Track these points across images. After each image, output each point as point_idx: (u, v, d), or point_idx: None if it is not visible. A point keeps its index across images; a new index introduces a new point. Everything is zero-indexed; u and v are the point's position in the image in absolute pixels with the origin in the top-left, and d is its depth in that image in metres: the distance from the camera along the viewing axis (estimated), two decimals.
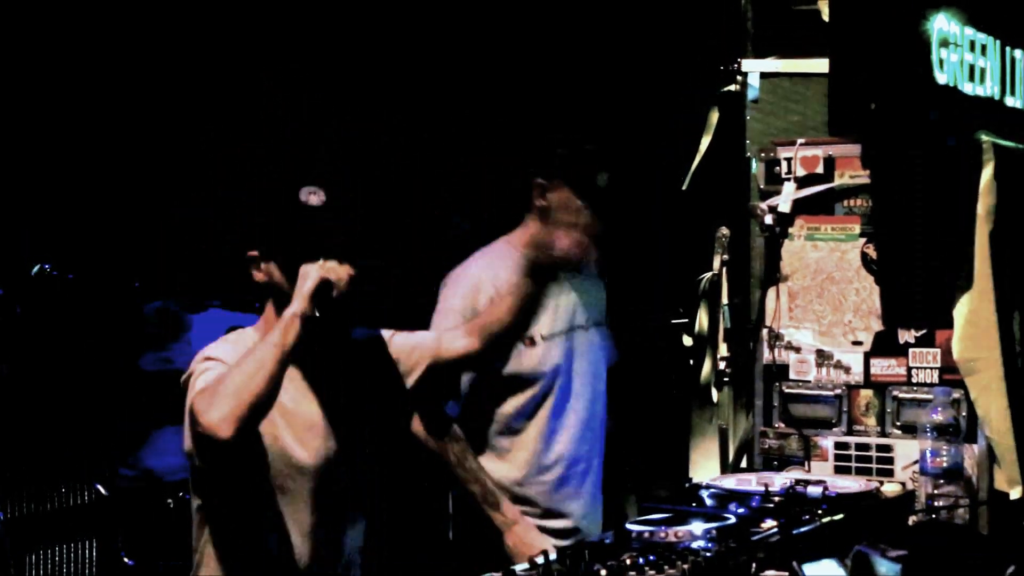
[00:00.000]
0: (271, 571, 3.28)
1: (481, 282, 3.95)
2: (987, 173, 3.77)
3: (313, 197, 3.28)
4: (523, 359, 3.92)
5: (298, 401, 3.27)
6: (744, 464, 4.23)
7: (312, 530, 3.29)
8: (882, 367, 3.91)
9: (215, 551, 3.29)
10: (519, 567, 2.86)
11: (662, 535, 3.02)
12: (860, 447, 3.90)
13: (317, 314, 3.11)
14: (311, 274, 3.13)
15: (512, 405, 3.95)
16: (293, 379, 3.22)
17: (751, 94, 4.51)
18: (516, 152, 4.29)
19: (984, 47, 3.93)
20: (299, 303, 3.10)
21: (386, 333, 3.48)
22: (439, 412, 3.88)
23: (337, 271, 3.15)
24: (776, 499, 3.35)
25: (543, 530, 3.94)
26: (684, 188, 4.70)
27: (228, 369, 3.07)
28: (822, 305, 3.97)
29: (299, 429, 3.26)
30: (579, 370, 4.03)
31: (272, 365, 3.03)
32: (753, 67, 4.54)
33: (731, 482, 3.60)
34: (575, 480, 4.04)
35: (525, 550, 3.69)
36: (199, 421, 2.98)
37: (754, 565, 2.95)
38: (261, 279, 3.30)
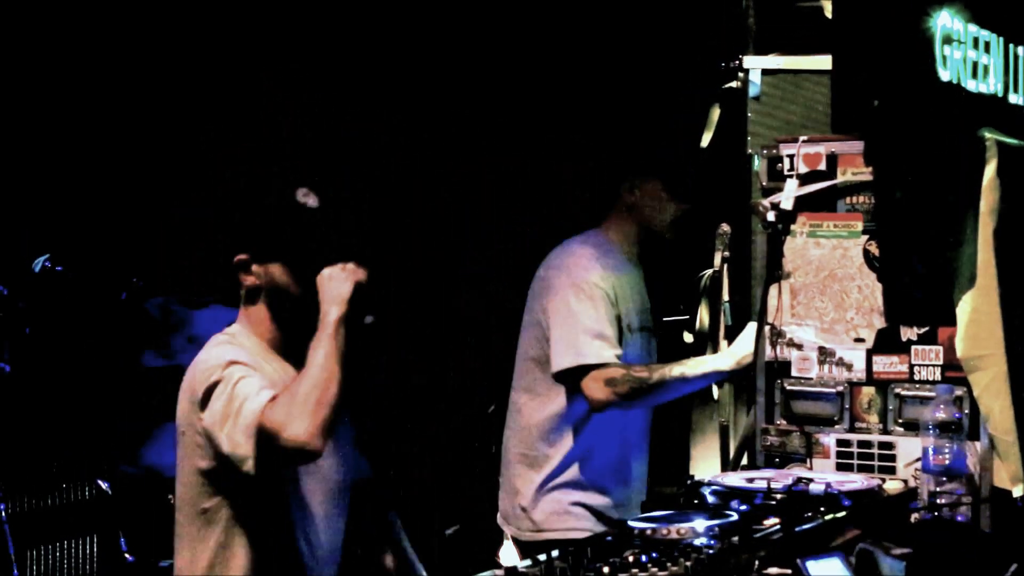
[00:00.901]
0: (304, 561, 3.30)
1: (604, 262, 4.21)
2: (990, 170, 3.76)
3: (309, 199, 3.29)
4: (627, 344, 4.19)
5: None
6: (745, 461, 4.22)
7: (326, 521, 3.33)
8: (884, 364, 3.90)
9: (246, 549, 3.26)
10: (521, 564, 2.86)
11: (664, 532, 3.01)
12: (862, 444, 3.89)
13: (365, 319, 3.15)
14: (343, 278, 3.15)
15: None
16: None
17: (753, 91, 4.51)
18: (606, 153, 4.44)
19: (987, 44, 3.92)
20: (340, 308, 3.11)
21: None
22: (613, 361, 4.07)
23: (360, 272, 3.18)
24: (778, 496, 3.34)
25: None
26: None
27: (294, 382, 3.08)
28: (824, 302, 3.96)
29: None
30: None
31: (339, 370, 3.07)
32: (755, 64, 4.54)
33: (733, 479, 3.59)
34: (633, 464, 4.29)
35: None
36: (280, 435, 3.00)
37: (757, 562, 2.94)
38: (253, 283, 3.29)
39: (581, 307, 4.08)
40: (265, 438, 3.03)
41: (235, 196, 3.46)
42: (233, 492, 3.23)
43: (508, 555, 4.29)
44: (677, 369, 4.05)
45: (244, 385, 3.10)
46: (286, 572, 3.27)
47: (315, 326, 3.15)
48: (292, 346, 3.25)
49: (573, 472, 4.16)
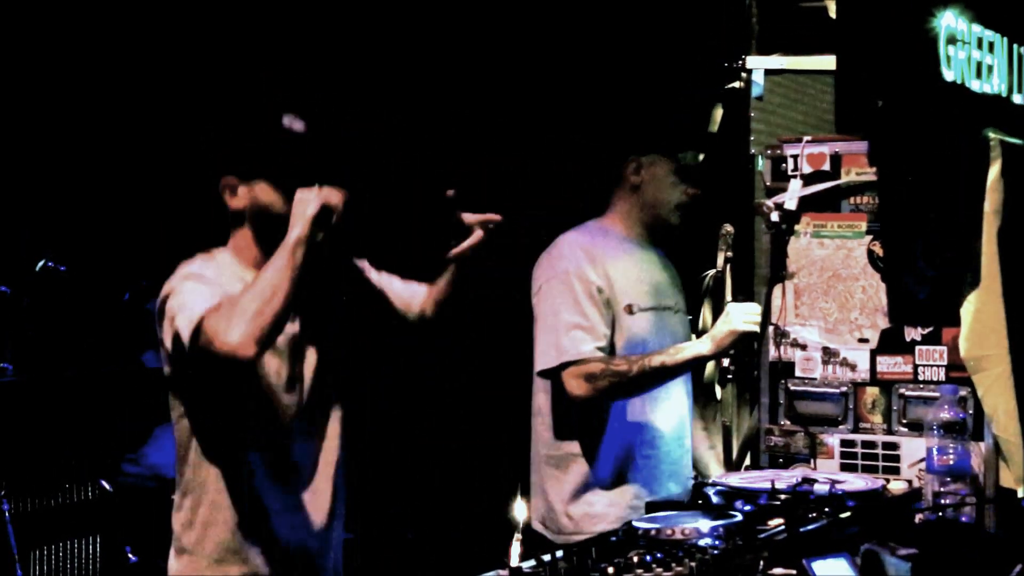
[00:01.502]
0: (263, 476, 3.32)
1: (589, 247, 4.09)
2: (994, 170, 3.76)
3: (296, 123, 3.32)
4: (625, 325, 4.06)
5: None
6: (748, 462, 4.21)
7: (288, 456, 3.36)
8: (888, 364, 3.90)
9: (207, 458, 3.32)
10: (526, 564, 2.85)
11: (669, 532, 3.00)
12: (866, 445, 3.89)
13: (320, 238, 3.15)
14: (312, 199, 3.16)
15: None
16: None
17: (756, 91, 4.50)
18: (611, 131, 4.35)
19: (992, 44, 3.92)
20: (302, 227, 3.13)
21: (385, 276, 3.60)
22: (593, 355, 3.97)
23: (334, 196, 3.19)
24: (783, 497, 3.34)
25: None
26: None
27: (240, 291, 3.10)
28: (828, 302, 3.95)
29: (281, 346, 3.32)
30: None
31: (287, 286, 3.07)
32: (758, 64, 4.54)
33: (737, 479, 3.59)
34: (664, 459, 4.12)
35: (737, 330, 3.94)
36: (214, 341, 3.01)
37: (761, 563, 2.93)
38: (239, 205, 3.33)
39: (559, 300, 3.99)
40: (202, 343, 3.06)
41: (223, 119, 3.48)
42: (189, 400, 3.31)
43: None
44: (657, 359, 3.96)
45: (192, 294, 3.16)
46: (237, 491, 3.31)
47: None
48: None
49: (603, 471, 4.04)
